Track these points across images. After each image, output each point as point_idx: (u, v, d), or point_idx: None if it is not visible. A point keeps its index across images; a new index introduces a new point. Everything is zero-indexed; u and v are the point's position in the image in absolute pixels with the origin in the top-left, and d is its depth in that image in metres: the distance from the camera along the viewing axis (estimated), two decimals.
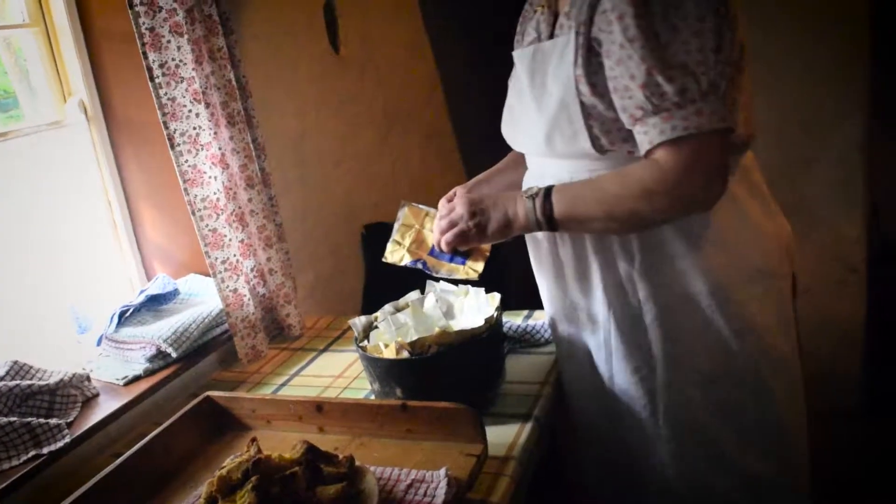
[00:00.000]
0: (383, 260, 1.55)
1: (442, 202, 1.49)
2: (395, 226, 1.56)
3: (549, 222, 1.29)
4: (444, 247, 1.41)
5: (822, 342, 2.59)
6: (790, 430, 1.41)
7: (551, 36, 1.33)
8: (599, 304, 1.40)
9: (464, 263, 1.49)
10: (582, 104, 1.24)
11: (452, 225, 1.39)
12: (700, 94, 1.13)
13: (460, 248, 1.43)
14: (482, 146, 1.69)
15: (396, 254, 1.54)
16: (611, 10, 1.17)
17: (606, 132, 1.25)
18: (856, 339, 2.69)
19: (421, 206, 1.57)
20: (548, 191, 1.29)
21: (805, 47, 2.43)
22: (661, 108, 1.14)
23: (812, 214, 2.57)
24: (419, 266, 1.51)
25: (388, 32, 2.85)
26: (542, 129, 1.31)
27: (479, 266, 1.48)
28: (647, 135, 1.17)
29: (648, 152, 1.18)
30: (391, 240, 1.56)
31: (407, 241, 1.54)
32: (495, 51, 1.53)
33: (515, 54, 1.42)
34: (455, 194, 1.49)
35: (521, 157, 1.54)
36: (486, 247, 1.48)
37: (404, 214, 1.57)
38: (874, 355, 2.69)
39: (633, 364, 1.40)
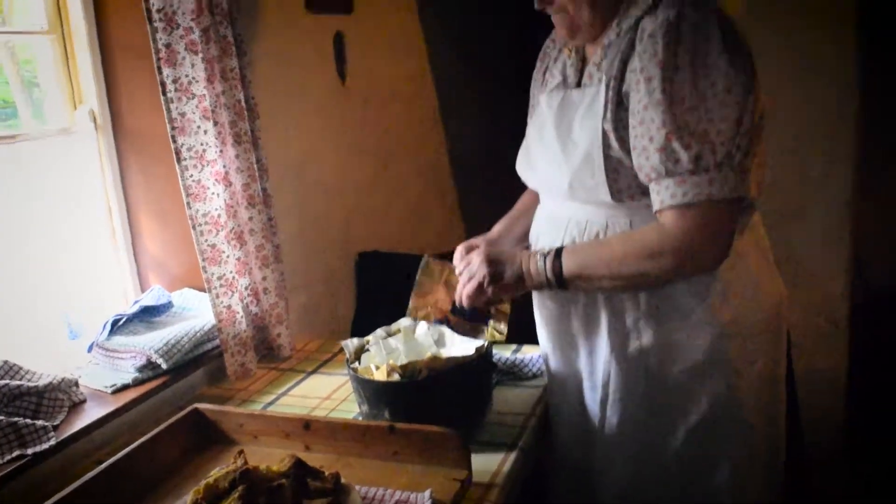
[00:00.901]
0: (408, 316, 1.56)
1: (459, 253, 1.52)
2: (417, 278, 1.58)
3: (559, 281, 1.33)
4: (464, 301, 1.43)
5: (805, 393, 2.62)
6: (772, 480, 1.45)
7: (579, 83, 1.37)
8: (603, 346, 1.42)
9: (487, 324, 1.53)
10: (607, 157, 1.28)
11: (470, 278, 1.41)
12: (715, 163, 1.17)
13: (479, 304, 1.45)
14: (478, 184, 1.73)
15: (421, 311, 1.56)
16: (640, 70, 1.21)
17: (627, 185, 1.29)
18: (839, 392, 2.73)
19: (442, 260, 1.59)
20: (558, 251, 1.33)
21: (796, 106, 2.50)
22: (674, 173, 1.19)
23: (799, 267, 2.62)
24: (445, 326, 1.52)
25: (394, 66, 2.91)
26: (565, 178, 1.35)
27: (503, 327, 1.52)
28: (659, 195, 1.22)
29: (659, 212, 1.23)
30: (413, 294, 1.58)
31: (431, 298, 1.56)
32: (497, 90, 1.57)
33: (543, 98, 1.45)
34: (469, 245, 1.53)
35: (535, 198, 1.58)
36: (506, 307, 1.52)
37: (426, 267, 1.59)
38: (856, 407, 2.73)
39: (630, 411, 1.41)
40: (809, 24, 2.42)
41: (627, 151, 1.25)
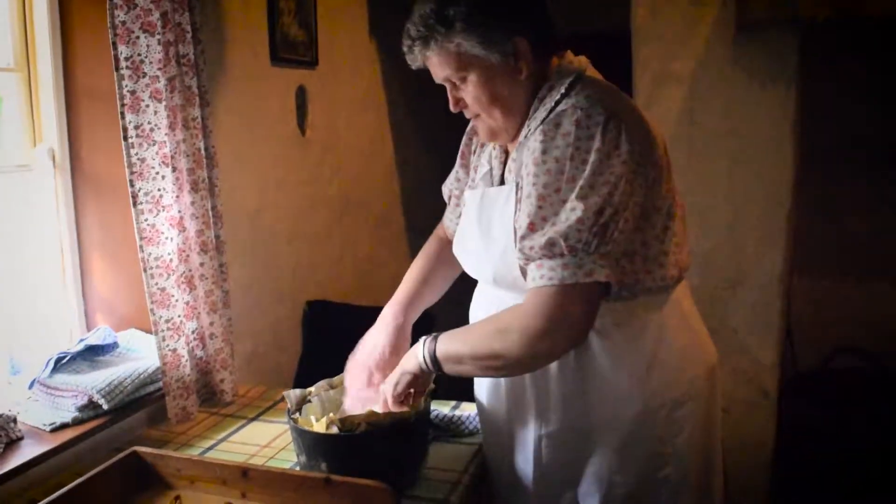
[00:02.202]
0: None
1: (353, 374, 1.59)
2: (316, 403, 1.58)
3: (434, 363, 1.38)
4: (396, 407, 1.47)
5: (732, 461, 2.70)
6: None
7: (502, 178, 1.44)
8: (531, 422, 1.45)
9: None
10: None
11: (393, 391, 1.46)
12: (568, 249, 1.21)
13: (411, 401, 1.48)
14: (429, 235, 1.80)
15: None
16: (523, 167, 1.29)
17: None
18: (766, 461, 2.81)
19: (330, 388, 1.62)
20: (437, 335, 1.39)
21: (728, 177, 2.65)
22: (531, 259, 1.25)
23: (731, 338, 2.73)
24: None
25: (354, 121, 2.99)
26: (490, 270, 1.41)
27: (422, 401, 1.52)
28: (526, 278, 1.27)
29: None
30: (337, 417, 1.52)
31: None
32: (453, 145, 1.65)
33: (466, 195, 1.52)
34: (357, 364, 1.59)
35: (438, 257, 1.69)
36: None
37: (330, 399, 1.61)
38: (781, 477, 2.82)
39: (559, 481, 1.45)
40: (749, 120, 2.57)
41: None
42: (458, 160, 1.64)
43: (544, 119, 1.29)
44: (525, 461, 1.49)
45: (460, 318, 1.54)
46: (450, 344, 1.37)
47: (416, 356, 1.41)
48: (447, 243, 1.69)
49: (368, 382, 1.57)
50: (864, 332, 3.27)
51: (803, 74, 2.54)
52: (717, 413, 1.52)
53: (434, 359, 1.38)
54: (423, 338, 1.42)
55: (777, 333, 2.76)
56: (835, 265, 3.38)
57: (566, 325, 1.25)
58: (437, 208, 1.76)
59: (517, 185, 1.33)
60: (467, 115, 1.42)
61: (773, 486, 2.81)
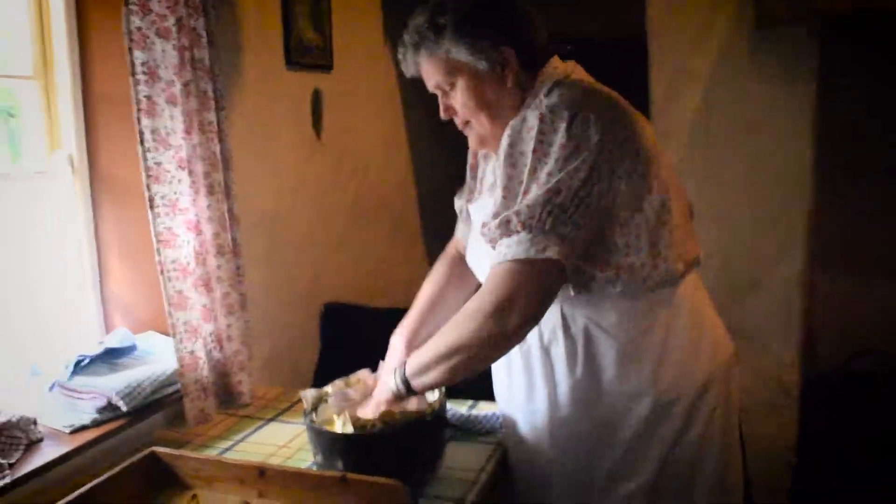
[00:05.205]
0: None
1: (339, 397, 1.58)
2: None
3: (405, 383, 1.41)
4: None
5: (753, 462, 2.67)
6: None
7: None
8: (545, 417, 1.46)
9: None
10: None
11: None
12: (521, 225, 1.25)
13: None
14: (446, 241, 1.79)
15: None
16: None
17: None
18: (786, 462, 2.78)
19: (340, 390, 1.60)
20: (402, 366, 1.43)
21: (749, 177, 2.62)
22: (493, 242, 1.30)
23: (752, 337, 2.70)
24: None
25: (370, 125, 3.00)
26: None
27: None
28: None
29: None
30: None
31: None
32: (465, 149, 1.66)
33: (472, 208, 1.56)
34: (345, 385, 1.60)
35: (447, 283, 1.71)
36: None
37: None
38: (803, 479, 2.78)
39: (576, 476, 1.46)
40: (767, 119, 2.54)
41: None
42: (468, 173, 1.66)
43: None
44: (541, 456, 1.49)
45: None
46: (415, 358, 1.41)
47: (386, 383, 1.46)
48: (458, 261, 1.71)
49: None
50: (886, 334, 3.22)
51: (823, 71, 2.51)
52: (735, 410, 1.51)
53: (404, 379, 1.41)
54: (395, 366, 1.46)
55: (798, 333, 2.73)
56: (857, 265, 3.33)
57: (520, 302, 1.26)
58: (453, 212, 1.76)
59: None
60: (457, 122, 1.47)
61: (795, 487, 2.78)
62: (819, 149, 2.64)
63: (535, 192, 1.25)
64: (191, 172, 1.79)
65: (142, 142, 1.70)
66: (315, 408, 1.54)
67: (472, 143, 1.50)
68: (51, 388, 1.73)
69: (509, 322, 1.27)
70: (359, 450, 1.40)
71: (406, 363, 1.43)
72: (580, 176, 1.24)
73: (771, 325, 2.71)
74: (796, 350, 2.73)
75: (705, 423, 1.42)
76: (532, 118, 1.28)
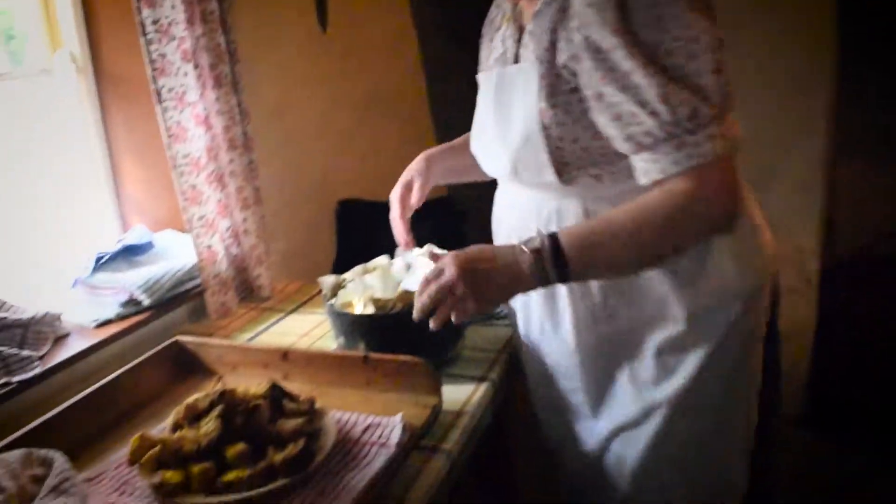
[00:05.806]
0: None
1: (397, 198, 1.54)
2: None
3: (563, 279, 1.17)
4: (422, 316, 1.22)
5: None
6: (736, 458, 1.41)
7: (517, 57, 1.30)
8: (568, 327, 1.36)
9: None
10: (548, 137, 1.21)
11: (441, 292, 1.19)
12: (710, 118, 1.09)
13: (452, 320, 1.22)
14: (457, 135, 1.75)
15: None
16: (585, 41, 1.13)
17: (571, 163, 1.22)
18: (805, 348, 2.80)
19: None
20: (554, 245, 1.15)
21: (769, 63, 2.54)
22: (672, 135, 1.10)
23: (771, 223, 2.68)
24: None
25: (376, 16, 2.91)
26: (508, 161, 1.29)
27: None
28: (657, 163, 1.13)
29: (658, 182, 1.14)
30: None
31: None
32: (478, 42, 1.59)
33: (480, 77, 1.41)
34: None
35: None
36: None
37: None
38: (821, 365, 2.81)
39: (595, 388, 1.39)
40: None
41: (569, 128, 1.20)
42: (480, 44, 1.53)
43: None
44: (560, 369, 1.42)
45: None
46: (590, 255, 1.16)
47: (518, 266, 1.16)
48: None
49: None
50: None
51: None
52: (760, 333, 1.41)
53: (563, 273, 1.15)
54: (524, 245, 1.17)
55: (818, 219, 2.71)
56: (876, 151, 3.26)
57: (730, 196, 1.15)
58: (461, 105, 1.70)
59: (544, 61, 1.20)
60: None
61: (813, 374, 2.81)
62: (840, 37, 2.55)
63: (706, 74, 1.09)
64: (197, 66, 1.75)
65: (144, 33, 1.66)
66: (335, 294, 1.55)
67: None
68: (73, 285, 1.74)
69: (719, 222, 1.18)
70: (380, 330, 1.42)
71: (562, 256, 1.14)
72: (717, 41, 1.11)
73: (792, 211, 2.69)
74: (817, 236, 2.72)
75: (742, 337, 1.33)
76: None
